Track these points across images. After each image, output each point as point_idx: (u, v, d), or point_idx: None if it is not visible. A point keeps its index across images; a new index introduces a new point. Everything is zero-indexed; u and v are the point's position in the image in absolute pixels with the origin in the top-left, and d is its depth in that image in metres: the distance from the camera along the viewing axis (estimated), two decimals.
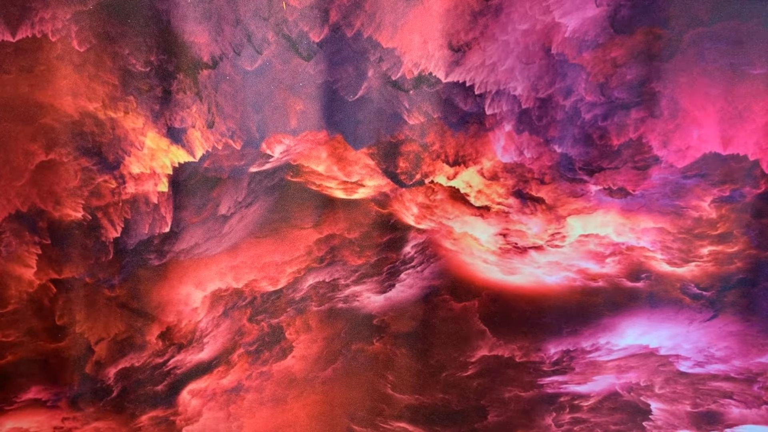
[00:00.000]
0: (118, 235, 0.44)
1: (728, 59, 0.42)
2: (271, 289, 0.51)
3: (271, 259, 0.52)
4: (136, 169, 0.42)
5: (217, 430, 0.58)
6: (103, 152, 0.43)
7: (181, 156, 0.44)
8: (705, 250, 0.48)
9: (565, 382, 0.53)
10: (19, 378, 0.49)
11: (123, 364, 0.48)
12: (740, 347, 0.52)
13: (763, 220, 0.46)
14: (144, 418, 0.52)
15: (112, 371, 0.48)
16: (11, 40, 0.43)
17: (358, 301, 0.50)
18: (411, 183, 0.47)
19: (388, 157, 0.44)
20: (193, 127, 0.43)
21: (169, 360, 0.51)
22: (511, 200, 0.49)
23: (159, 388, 0.50)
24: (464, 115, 0.48)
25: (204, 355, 0.56)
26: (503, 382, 0.52)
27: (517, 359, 0.49)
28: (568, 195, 0.52)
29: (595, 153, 0.48)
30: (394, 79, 0.43)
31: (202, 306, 0.53)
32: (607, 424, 0.51)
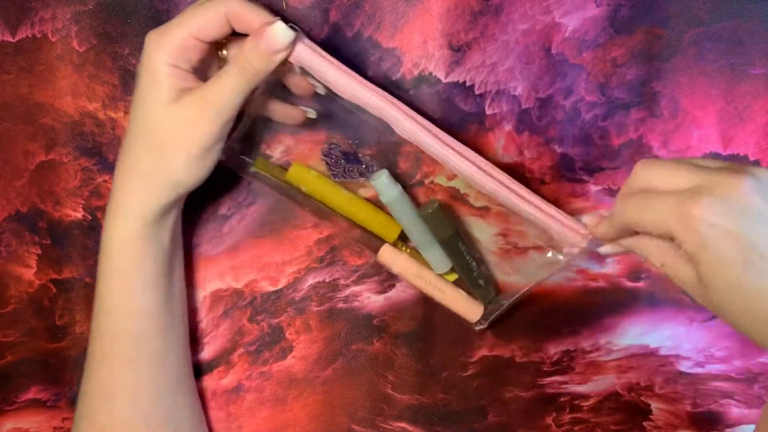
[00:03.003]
0: None
1: (728, 59, 0.49)
2: (271, 289, 0.59)
3: (271, 259, 0.62)
4: None
5: (217, 430, 0.76)
6: (103, 152, 0.50)
7: None
8: None
9: (566, 382, 0.64)
10: (19, 378, 0.58)
11: None
12: (740, 347, 0.61)
13: None
14: None
15: None
16: (11, 40, 0.53)
17: (358, 301, 0.57)
18: (411, 183, 0.56)
19: (388, 157, 0.54)
20: None
21: None
22: None
23: None
24: (464, 115, 0.58)
25: (204, 355, 0.69)
26: (503, 382, 0.63)
27: (518, 359, 0.58)
28: (568, 195, 0.61)
29: (595, 153, 0.55)
30: (394, 79, 0.52)
31: (202, 306, 0.68)
32: (607, 424, 0.59)
